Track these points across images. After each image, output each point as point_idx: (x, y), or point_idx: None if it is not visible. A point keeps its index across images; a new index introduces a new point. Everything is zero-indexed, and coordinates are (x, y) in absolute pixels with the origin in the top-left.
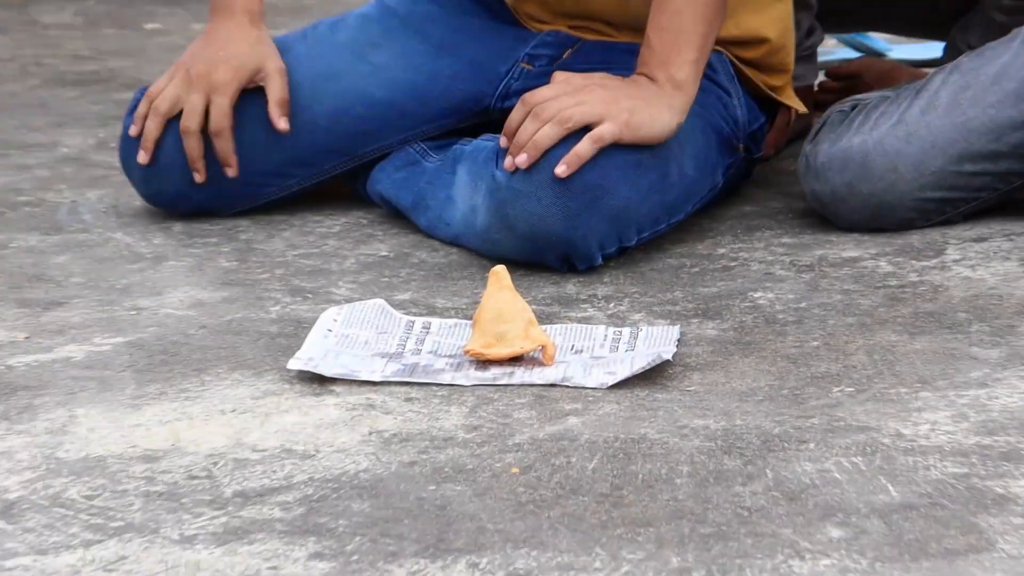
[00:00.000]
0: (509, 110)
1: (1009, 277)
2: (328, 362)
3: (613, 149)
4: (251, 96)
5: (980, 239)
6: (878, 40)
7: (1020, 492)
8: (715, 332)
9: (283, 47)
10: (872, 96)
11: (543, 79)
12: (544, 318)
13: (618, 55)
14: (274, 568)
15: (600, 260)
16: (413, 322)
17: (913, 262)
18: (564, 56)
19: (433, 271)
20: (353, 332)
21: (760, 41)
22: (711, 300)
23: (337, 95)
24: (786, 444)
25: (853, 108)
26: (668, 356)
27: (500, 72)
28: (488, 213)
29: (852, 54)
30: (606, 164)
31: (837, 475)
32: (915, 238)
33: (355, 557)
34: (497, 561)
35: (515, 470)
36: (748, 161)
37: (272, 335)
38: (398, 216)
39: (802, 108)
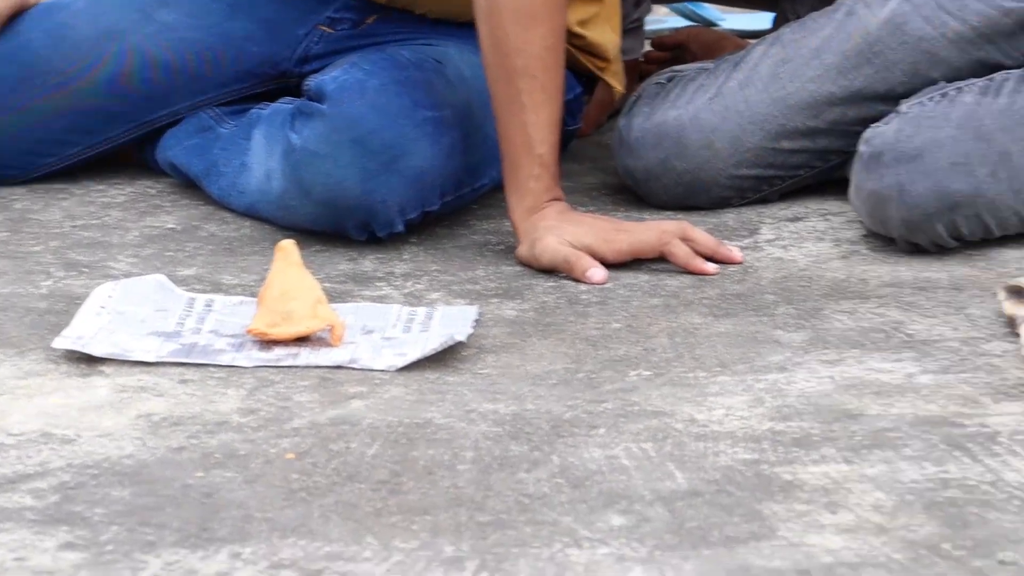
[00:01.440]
0: (308, 75)
1: (821, 259)
2: (99, 341)
3: (412, 106)
4: None
5: (795, 219)
6: (710, 9)
7: (808, 479)
8: (515, 313)
9: (61, 4)
10: (690, 68)
11: (345, 43)
12: (336, 296)
13: (426, 27)
14: (20, 559)
15: (402, 227)
16: (195, 299)
17: (725, 242)
18: (367, 22)
19: (222, 245)
20: (129, 309)
21: (579, 36)
22: (514, 280)
23: (120, 56)
24: (576, 429)
25: (670, 80)
26: (462, 337)
27: (298, 35)
28: (284, 178)
29: (683, 23)
30: (405, 123)
31: (625, 461)
32: (730, 217)
33: (109, 547)
34: (261, 551)
35: (290, 456)
36: (563, 134)
37: (40, 311)
38: (190, 186)
39: (620, 87)
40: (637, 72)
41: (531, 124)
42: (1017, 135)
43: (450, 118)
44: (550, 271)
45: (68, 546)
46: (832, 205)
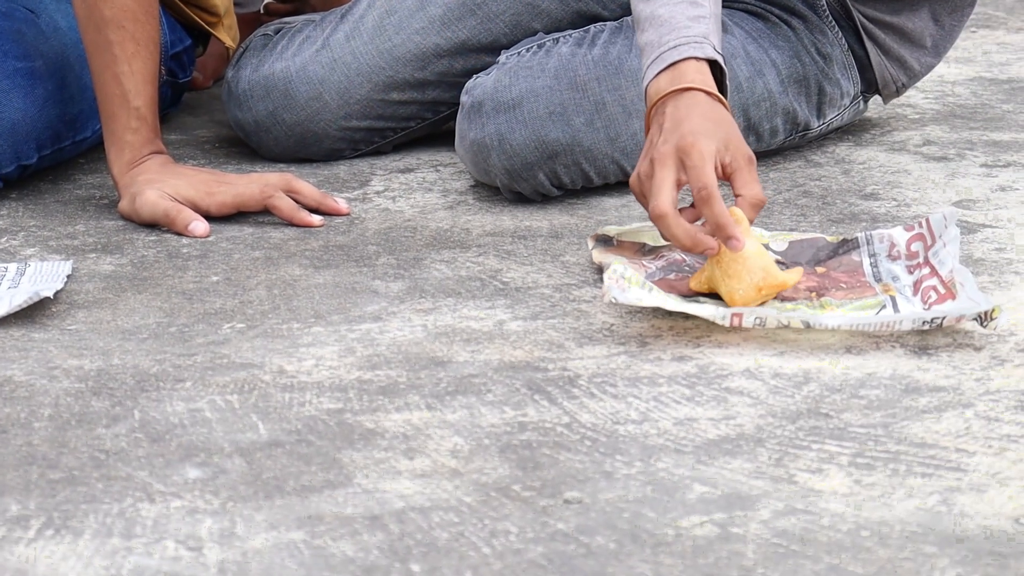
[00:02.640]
0: None
1: (427, 209)
2: None
3: (1, 56)
4: None
5: (407, 170)
6: None
7: (389, 426)
8: (112, 268)
9: None
10: (298, 20)
11: None
12: None
13: None
14: None
15: None
16: None
17: (333, 193)
18: None
19: None
20: None
21: None
22: (114, 234)
23: None
24: (161, 383)
25: (277, 32)
26: (49, 293)
27: None
28: None
29: None
30: None
31: (208, 414)
32: (342, 168)
33: None
34: None
35: None
36: (173, 86)
37: None
38: None
39: (231, 43)
40: (258, 24)
41: (124, 75)
42: (610, 85)
43: (43, 69)
44: (152, 225)
45: None
46: (444, 156)
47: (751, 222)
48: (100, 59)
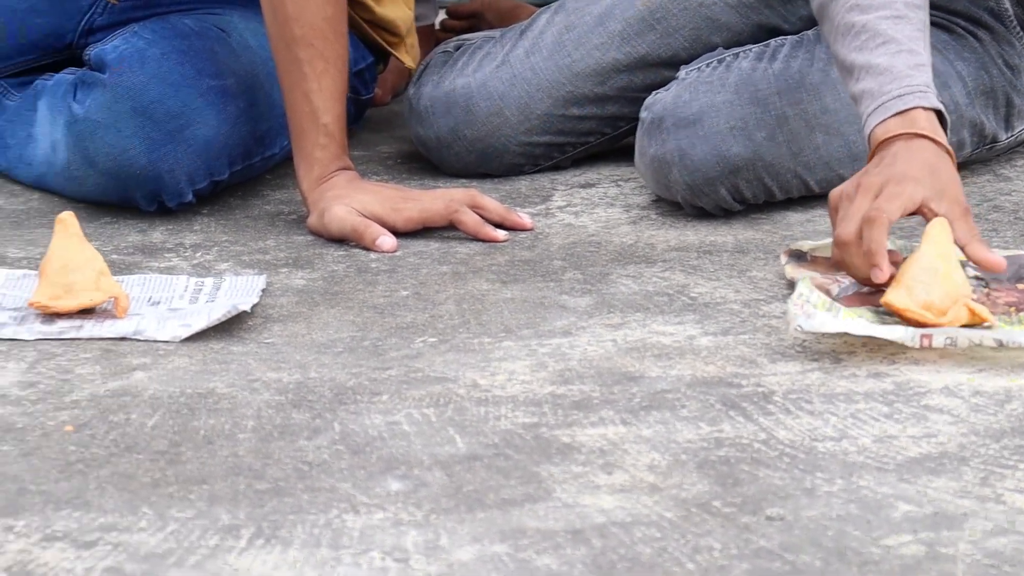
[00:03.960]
0: (91, 45)
1: (610, 224)
2: None
3: (195, 74)
4: None
5: (587, 185)
6: None
7: (585, 441)
8: (303, 282)
9: None
10: (477, 36)
11: (129, 15)
12: (124, 268)
13: None
14: None
15: (191, 196)
16: None
17: (516, 208)
18: None
19: (8, 218)
20: None
21: (369, 10)
22: (304, 249)
23: None
24: (359, 396)
25: (458, 49)
26: (246, 307)
27: (82, 6)
28: (68, 149)
29: None
30: (189, 91)
31: (406, 427)
32: (523, 184)
33: None
34: (35, 523)
35: (69, 428)
36: (356, 103)
37: None
38: None
39: (411, 63)
40: (433, 40)
41: (314, 93)
42: (792, 99)
43: (235, 87)
44: (340, 240)
45: None
46: (624, 171)
47: (982, 272)
48: (290, 77)
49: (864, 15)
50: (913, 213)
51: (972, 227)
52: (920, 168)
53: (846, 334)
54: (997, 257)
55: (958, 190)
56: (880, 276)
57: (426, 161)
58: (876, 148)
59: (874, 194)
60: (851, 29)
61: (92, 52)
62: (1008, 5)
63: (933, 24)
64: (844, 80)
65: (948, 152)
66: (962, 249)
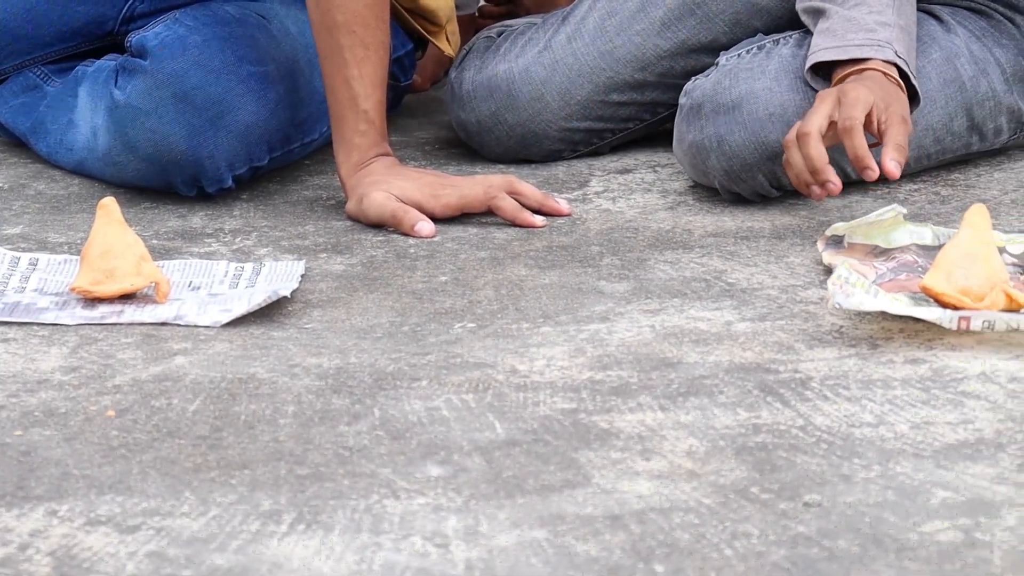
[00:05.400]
0: (132, 32)
1: (648, 210)
2: None
3: (236, 61)
4: None
5: (625, 171)
6: None
7: (624, 427)
8: (342, 267)
9: None
10: (519, 22)
11: (172, 2)
12: (164, 253)
13: None
14: None
15: (231, 182)
16: (19, 258)
17: (554, 194)
18: None
19: (49, 203)
20: None
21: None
22: (343, 234)
23: None
24: (398, 382)
25: (500, 35)
26: (286, 292)
27: None
28: (109, 134)
29: None
30: (229, 78)
31: (445, 412)
32: (561, 169)
33: None
34: (78, 508)
35: (110, 413)
36: (395, 89)
37: None
38: (18, 145)
39: (450, 51)
40: (473, 27)
41: (354, 79)
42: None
43: (275, 73)
44: (379, 226)
45: None
46: (662, 157)
47: (897, 169)
48: (331, 63)
49: None
50: (866, 126)
51: (904, 134)
52: (868, 85)
53: (884, 316)
54: (885, 165)
55: (903, 107)
56: (871, 175)
57: (464, 147)
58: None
59: (832, 101)
60: None
61: (133, 39)
62: None
63: (972, 11)
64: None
65: (899, 84)
66: (882, 146)
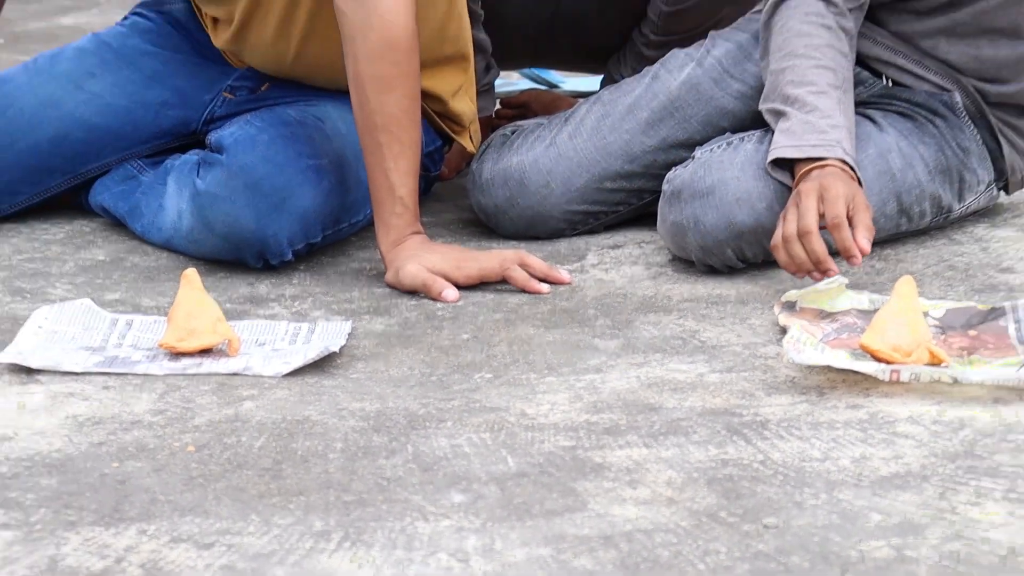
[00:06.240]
0: (212, 131)
1: (635, 279)
2: (36, 355)
3: (296, 156)
4: None
5: (616, 246)
6: (553, 74)
7: (614, 461)
8: (382, 327)
9: (5, 78)
10: (529, 122)
11: (244, 106)
12: (235, 315)
13: (310, 92)
14: None
15: (291, 255)
16: (117, 319)
17: (557, 266)
18: (262, 88)
19: (143, 274)
20: (61, 328)
21: (437, 98)
22: (383, 299)
23: (58, 120)
24: (428, 423)
25: (514, 132)
26: (336, 348)
27: (205, 100)
28: (192, 216)
29: (531, 85)
30: (291, 170)
31: (467, 449)
32: (563, 245)
33: (38, 526)
34: (163, 528)
35: (191, 448)
36: (426, 178)
37: None
38: (118, 225)
39: (472, 148)
40: (490, 126)
41: (391, 171)
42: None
43: (328, 166)
44: (412, 292)
45: (3, 526)
46: (646, 235)
47: (868, 246)
48: (373, 157)
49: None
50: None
51: (868, 217)
52: (836, 179)
53: (829, 368)
54: (860, 244)
55: (864, 198)
56: (855, 262)
57: (483, 226)
58: (796, 180)
59: (816, 196)
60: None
61: (212, 137)
62: (959, 99)
63: (900, 114)
64: (769, 95)
65: (856, 178)
66: (853, 227)
